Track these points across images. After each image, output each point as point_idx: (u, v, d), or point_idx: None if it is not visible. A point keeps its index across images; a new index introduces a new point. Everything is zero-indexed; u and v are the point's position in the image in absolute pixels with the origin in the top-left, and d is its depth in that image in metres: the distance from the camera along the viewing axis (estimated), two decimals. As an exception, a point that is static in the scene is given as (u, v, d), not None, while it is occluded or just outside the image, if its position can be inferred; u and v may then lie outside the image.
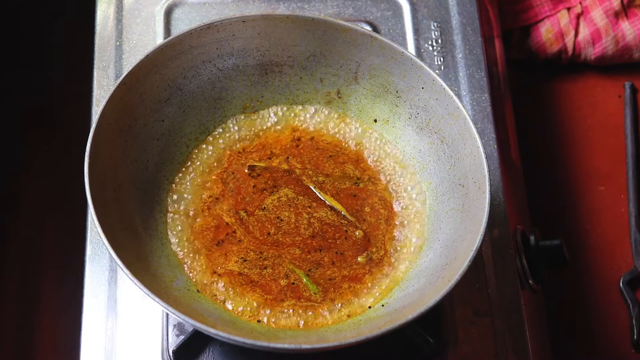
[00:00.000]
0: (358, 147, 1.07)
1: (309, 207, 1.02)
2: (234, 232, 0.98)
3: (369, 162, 1.05)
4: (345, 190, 1.03)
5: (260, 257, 0.98)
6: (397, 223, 1.01)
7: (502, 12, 1.36)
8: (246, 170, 1.01)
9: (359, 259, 0.99)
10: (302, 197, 1.02)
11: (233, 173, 1.02)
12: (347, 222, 1.01)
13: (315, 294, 0.97)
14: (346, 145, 1.07)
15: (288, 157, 1.03)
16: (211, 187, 1.03)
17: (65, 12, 1.42)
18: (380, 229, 1.02)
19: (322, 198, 1.02)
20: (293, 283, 0.97)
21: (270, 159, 1.03)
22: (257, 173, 1.01)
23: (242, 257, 0.98)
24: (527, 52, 1.39)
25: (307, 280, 0.97)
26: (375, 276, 0.98)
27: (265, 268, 0.98)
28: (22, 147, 1.36)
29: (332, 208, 1.02)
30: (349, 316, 0.96)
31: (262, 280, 0.97)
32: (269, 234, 0.99)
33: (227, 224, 0.99)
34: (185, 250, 0.99)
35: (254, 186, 1.01)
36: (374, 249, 1.00)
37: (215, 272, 0.97)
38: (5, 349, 1.21)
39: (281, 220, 1.00)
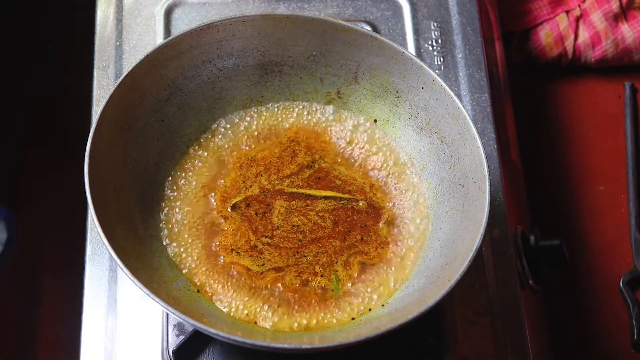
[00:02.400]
0: (354, 146, 1.07)
1: (307, 205, 1.02)
2: (262, 252, 0.99)
3: (330, 139, 1.06)
4: (309, 177, 1.03)
5: (297, 255, 0.98)
6: (388, 200, 1.03)
7: (502, 16, 1.36)
8: (229, 210, 1.01)
9: (380, 224, 1.01)
10: (294, 202, 1.02)
11: (234, 208, 1.02)
12: (346, 200, 1.02)
13: (333, 290, 0.97)
14: (341, 145, 1.07)
15: (261, 175, 1.03)
16: (211, 188, 1.03)
17: (65, 12, 1.42)
18: (368, 190, 1.03)
19: (312, 194, 1.02)
20: (321, 274, 0.97)
21: (245, 182, 1.03)
22: (246, 203, 1.01)
23: (260, 264, 0.98)
24: (527, 55, 1.39)
25: (335, 277, 0.97)
26: (385, 264, 0.99)
27: (305, 256, 0.98)
28: (22, 147, 1.36)
29: (325, 197, 1.02)
30: (353, 318, 0.96)
31: (287, 268, 0.97)
32: (300, 240, 1.00)
33: (253, 247, 0.99)
34: (186, 251, 0.99)
35: (255, 214, 1.01)
36: (384, 211, 1.02)
37: (216, 273, 0.97)
38: (5, 348, 1.21)
39: (298, 226, 1.00)
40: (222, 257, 0.98)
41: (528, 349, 1.03)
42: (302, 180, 1.03)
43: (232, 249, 0.98)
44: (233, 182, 1.03)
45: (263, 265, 0.98)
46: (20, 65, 1.41)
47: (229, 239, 0.99)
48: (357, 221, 1.01)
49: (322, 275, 0.97)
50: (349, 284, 0.98)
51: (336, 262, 0.98)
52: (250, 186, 1.02)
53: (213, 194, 1.02)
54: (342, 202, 1.02)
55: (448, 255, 0.95)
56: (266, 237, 0.99)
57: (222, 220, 1.00)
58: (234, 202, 1.01)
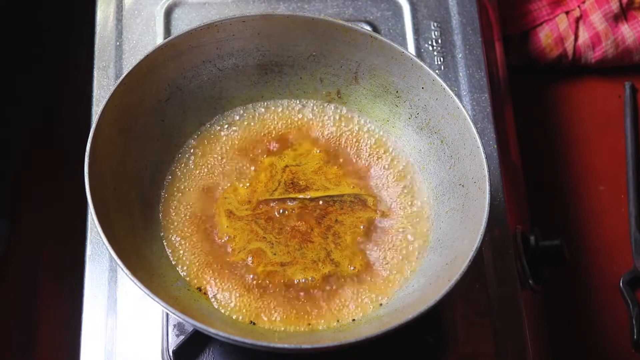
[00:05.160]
0: (353, 146, 1.07)
1: (302, 206, 1.02)
2: (272, 245, 0.99)
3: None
4: (287, 180, 1.03)
5: (301, 250, 0.99)
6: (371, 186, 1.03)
7: (502, 18, 1.36)
8: (226, 227, 1.01)
9: (377, 213, 1.01)
10: (288, 205, 1.02)
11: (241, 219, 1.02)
12: (332, 197, 1.02)
13: (340, 271, 0.98)
14: (340, 145, 1.07)
15: (249, 202, 1.02)
16: (212, 189, 1.03)
17: (65, 12, 1.42)
18: (352, 184, 1.03)
19: (302, 197, 1.02)
20: (324, 269, 0.98)
21: (250, 202, 1.03)
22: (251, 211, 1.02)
23: (273, 253, 0.98)
24: (527, 57, 1.39)
25: (333, 266, 0.98)
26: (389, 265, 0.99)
27: (308, 252, 0.99)
28: (22, 147, 1.36)
29: (318, 198, 1.02)
30: (353, 320, 0.96)
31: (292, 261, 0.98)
32: (300, 238, 1.00)
33: (262, 237, 0.99)
34: (186, 251, 0.99)
35: (256, 221, 1.01)
36: (371, 202, 1.02)
37: (216, 273, 0.97)
38: (5, 349, 1.21)
39: (296, 226, 1.01)
40: (222, 256, 0.98)
41: (528, 349, 1.03)
42: (294, 185, 1.03)
43: (237, 251, 0.98)
44: (233, 187, 1.03)
45: (275, 255, 0.98)
46: (21, 65, 1.41)
47: (230, 239, 0.99)
48: (344, 212, 1.01)
49: (325, 270, 0.98)
50: (355, 277, 0.98)
51: (331, 252, 0.99)
52: (242, 210, 1.02)
53: (214, 195, 1.02)
54: (330, 200, 1.02)
55: (448, 255, 0.95)
56: (272, 236, 0.99)
57: (222, 224, 1.00)
58: (240, 215, 1.01)
